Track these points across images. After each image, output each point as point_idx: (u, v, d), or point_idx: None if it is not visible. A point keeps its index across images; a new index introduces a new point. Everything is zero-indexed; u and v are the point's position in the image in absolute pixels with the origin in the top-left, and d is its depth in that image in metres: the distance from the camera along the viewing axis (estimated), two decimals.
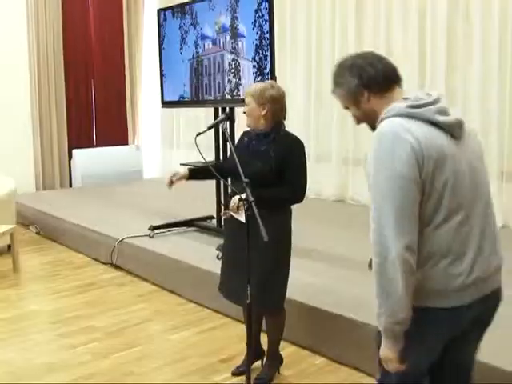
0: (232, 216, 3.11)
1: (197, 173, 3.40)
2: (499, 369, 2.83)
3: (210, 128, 3.28)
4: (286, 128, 3.21)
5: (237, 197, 3.00)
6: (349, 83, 2.03)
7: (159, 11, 6.13)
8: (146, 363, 3.60)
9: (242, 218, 3.04)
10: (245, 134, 3.27)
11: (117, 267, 5.52)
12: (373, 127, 2.00)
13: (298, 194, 3.12)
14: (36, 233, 6.98)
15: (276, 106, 3.12)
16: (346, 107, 2.11)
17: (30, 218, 7.23)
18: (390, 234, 1.77)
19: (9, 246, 5.81)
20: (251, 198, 2.68)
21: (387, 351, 1.88)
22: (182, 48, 5.79)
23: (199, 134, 3.13)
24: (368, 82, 1.99)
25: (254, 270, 3.02)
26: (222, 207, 5.25)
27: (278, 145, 3.09)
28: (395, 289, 1.78)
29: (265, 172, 3.04)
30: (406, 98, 1.96)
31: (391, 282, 1.78)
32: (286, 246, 3.20)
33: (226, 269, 3.29)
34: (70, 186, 9.25)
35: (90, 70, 9.62)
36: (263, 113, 3.10)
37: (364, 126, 2.21)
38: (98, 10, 9.57)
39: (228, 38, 5.20)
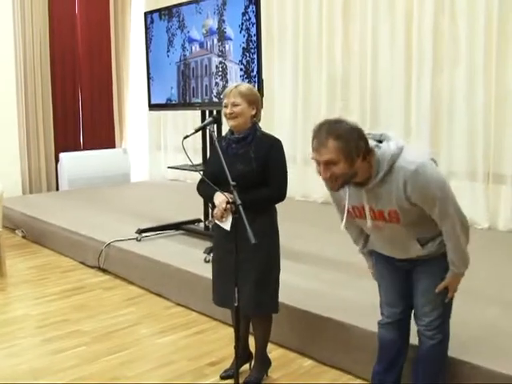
0: (216, 223, 3.11)
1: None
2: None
3: (197, 131, 3.27)
4: (275, 130, 3.22)
5: (223, 202, 2.98)
6: (357, 142, 2.33)
7: (146, 14, 6.11)
8: (134, 367, 3.58)
9: (226, 226, 3.04)
10: (222, 139, 3.24)
11: (104, 271, 5.49)
12: (341, 187, 2.43)
13: (280, 192, 3.13)
14: (22, 237, 6.94)
15: (260, 106, 3.17)
16: (329, 162, 2.33)
17: (16, 222, 7.18)
18: (460, 210, 2.50)
19: None
20: (239, 201, 2.68)
21: (458, 282, 2.63)
22: (169, 51, 5.78)
23: (186, 136, 3.13)
24: (366, 150, 2.36)
25: (247, 274, 3.02)
26: (210, 210, 5.24)
27: (257, 146, 3.09)
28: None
29: (247, 174, 3.02)
30: (377, 146, 2.41)
31: (467, 242, 2.56)
32: (276, 247, 3.20)
33: (217, 276, 3.27)
34: (57, 189, 9.20)
35: (77, 73, 9.58)
36: (253, 113, 3.12)
37: None
38: (85, 14, 9.52)
39: (215, 40, 5.20)
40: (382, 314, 2.89)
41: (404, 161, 2.38)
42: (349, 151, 2.31)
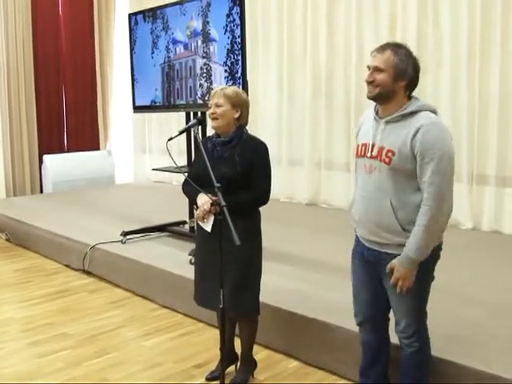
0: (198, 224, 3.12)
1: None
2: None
3: (181, 133, 3.27)
4: (260, 131, 3.23)
5: (205, 203, 2.99)
6: (408, 67, 2.56)
7: (130, 16, 6.10)
8: (120, 370, 3.57)
9: (207, 227, 3.05)
10: (207, 140, 3.24)
11: (89, 273, 5.47)
12: (375, 98, 2.60)
13: (263, 196, 3.13)
14: (6, 240, 6.89)
15: (246, 110, 3.17)
16: (377, 68, 2.55)
17: None
18: (450, 194, 2.50)
19: None
20: (223, 203, 2.69)
21: (412, 273, 2.53)
22: (153, 52, 5.77)
23: (170, 138, 3.13)
24: (411, 82, 2.59)
25: (229, 276, 3.02)
26: (195, 212, 5.23)
27: (242, 149, 3.09)
28: (441, 234, 2.57)
29: (231, 177, 3.02)
30: (416, 98, 2.62)
31: (440, 230, 2.54)
32: (258, 250, 3.20)
33: (199, 276, 3.27)
34: (41, 191, 9.16)
35: (61, 75, 9.55)
36: (236, 116, 3.12)
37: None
38: (69, 15, 9.49)
39: (200, 42, 5.20)
40: (354, 314, 2.92)
41: (430, 115, 2.54)
42: (397, 69, 2.53)
